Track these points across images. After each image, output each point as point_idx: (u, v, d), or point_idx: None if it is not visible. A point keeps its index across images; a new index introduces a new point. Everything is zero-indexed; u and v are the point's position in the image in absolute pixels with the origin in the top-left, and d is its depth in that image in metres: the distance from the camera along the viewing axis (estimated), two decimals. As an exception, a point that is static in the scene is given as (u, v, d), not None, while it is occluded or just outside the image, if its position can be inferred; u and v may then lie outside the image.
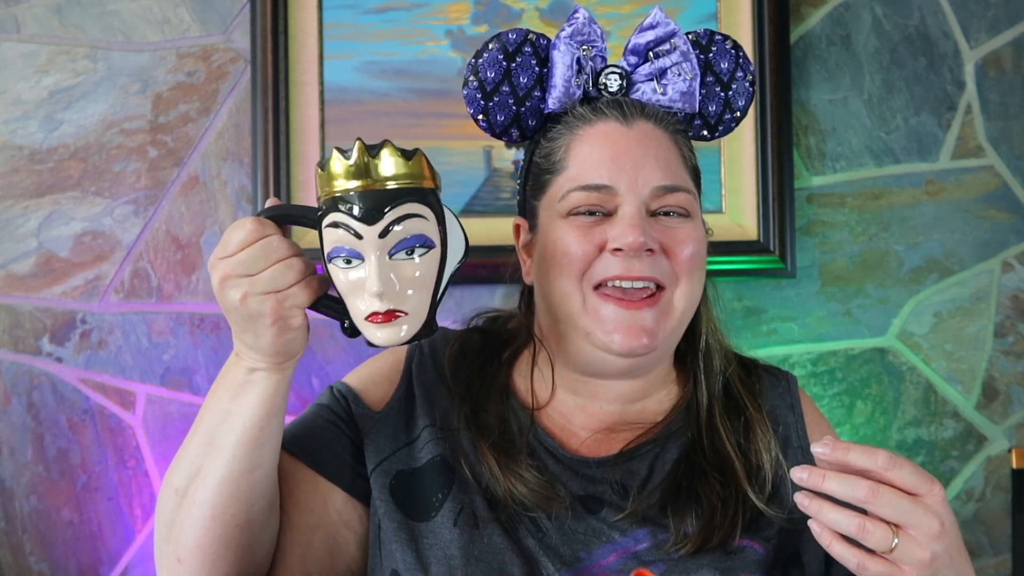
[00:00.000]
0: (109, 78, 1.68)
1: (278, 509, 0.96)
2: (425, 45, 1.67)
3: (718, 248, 1.63)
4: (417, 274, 0.82)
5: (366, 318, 0.83)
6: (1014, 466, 1.63)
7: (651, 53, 0.98)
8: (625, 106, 0.97)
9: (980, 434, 1.67)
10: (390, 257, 0.81)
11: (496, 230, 1.64)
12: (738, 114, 1.04)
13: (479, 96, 0.96)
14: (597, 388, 1.03)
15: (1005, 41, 1.70)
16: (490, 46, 0.97)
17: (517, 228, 1.07)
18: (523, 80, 0.96)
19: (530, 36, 0.97)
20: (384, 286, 0.81)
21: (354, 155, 0.80)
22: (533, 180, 1.02)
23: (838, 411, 1.66)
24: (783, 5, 1.65)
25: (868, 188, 1.69)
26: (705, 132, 1.05)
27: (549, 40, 0.98)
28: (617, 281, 0.94)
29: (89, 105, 1.68)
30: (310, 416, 1.05)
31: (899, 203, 1.69)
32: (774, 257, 1.64)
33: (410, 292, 0.82)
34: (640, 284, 0.93)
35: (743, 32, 1.66)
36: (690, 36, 1.02)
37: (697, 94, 0.99)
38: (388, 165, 0.81)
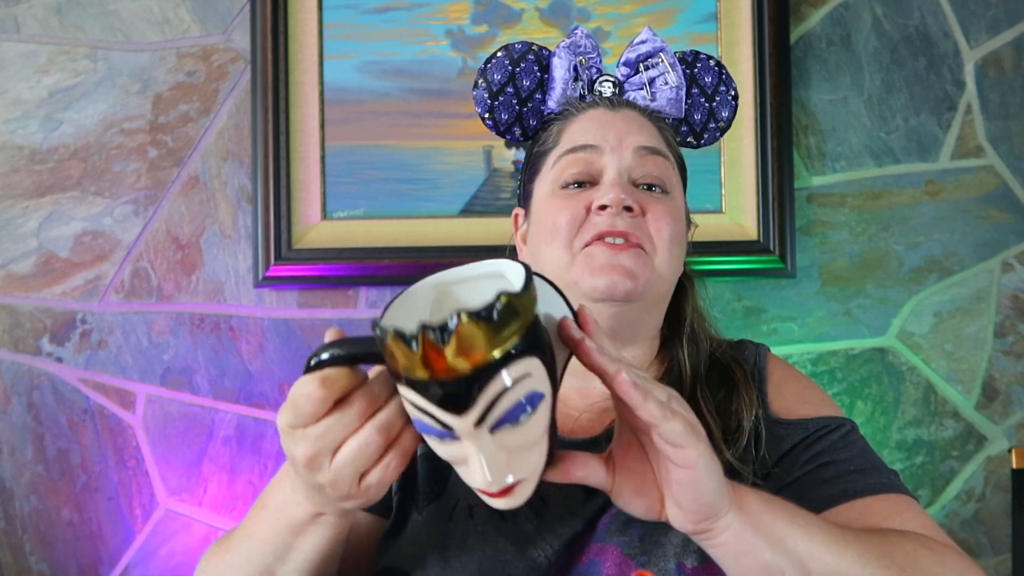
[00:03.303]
0: (109, 78, 1.68)
1: None
2: (425, 45, 1.67)
3: (718, 248, 1.64)
4: (528, 438, 0.67)
5: (477, 489, 0.69)
6: (1014, 466, 1.63)
7: (641, 65, 1.10)
8: (613, 98, 1.09)
9: (980, 434, 1.67)
10: (492, 433, 0.65)
11: (496, 230, 1.64)
12: (722, 123, 1.14)
13: (486, 96, 1.08)
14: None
15: (1005, 41, 1.70)
16: (498, 53, 1.09)
17: (516, 218, 1.14)
18: (526, 83, 1.08)
19: (533, 46, 1.09)
20: (492, 474, 0.67)
21: (417, 347, 0.60)
22: (530, 167, 1.11)
23: (838, 411, 1.66)
24: (783, 5, 1.65)
25: (868, 188, 1.69)
26: (691, 139, 1.14)
27: (551, 51, 1.10)
28: (604, 238, 1.00)
29: (89, 105, 1.68)
30: None
31: (899, 203, 1.69)
32: (774, 257, 1.64)
33: (522, 459, 0.68)
34: (622, 240, 0.99)
35: (743, 32, 1.66)
36: (677, 55, 1.13)
37: (683, 101, 1.10)
38: (468, 344, 0.61)
